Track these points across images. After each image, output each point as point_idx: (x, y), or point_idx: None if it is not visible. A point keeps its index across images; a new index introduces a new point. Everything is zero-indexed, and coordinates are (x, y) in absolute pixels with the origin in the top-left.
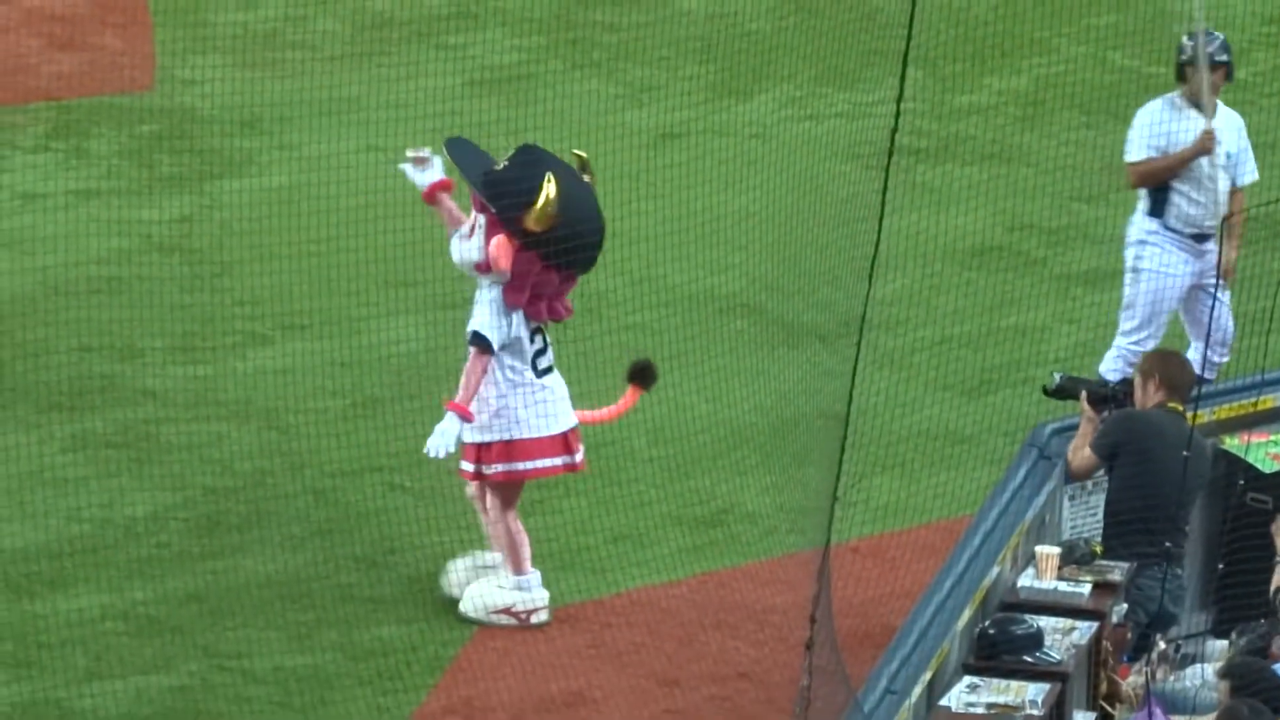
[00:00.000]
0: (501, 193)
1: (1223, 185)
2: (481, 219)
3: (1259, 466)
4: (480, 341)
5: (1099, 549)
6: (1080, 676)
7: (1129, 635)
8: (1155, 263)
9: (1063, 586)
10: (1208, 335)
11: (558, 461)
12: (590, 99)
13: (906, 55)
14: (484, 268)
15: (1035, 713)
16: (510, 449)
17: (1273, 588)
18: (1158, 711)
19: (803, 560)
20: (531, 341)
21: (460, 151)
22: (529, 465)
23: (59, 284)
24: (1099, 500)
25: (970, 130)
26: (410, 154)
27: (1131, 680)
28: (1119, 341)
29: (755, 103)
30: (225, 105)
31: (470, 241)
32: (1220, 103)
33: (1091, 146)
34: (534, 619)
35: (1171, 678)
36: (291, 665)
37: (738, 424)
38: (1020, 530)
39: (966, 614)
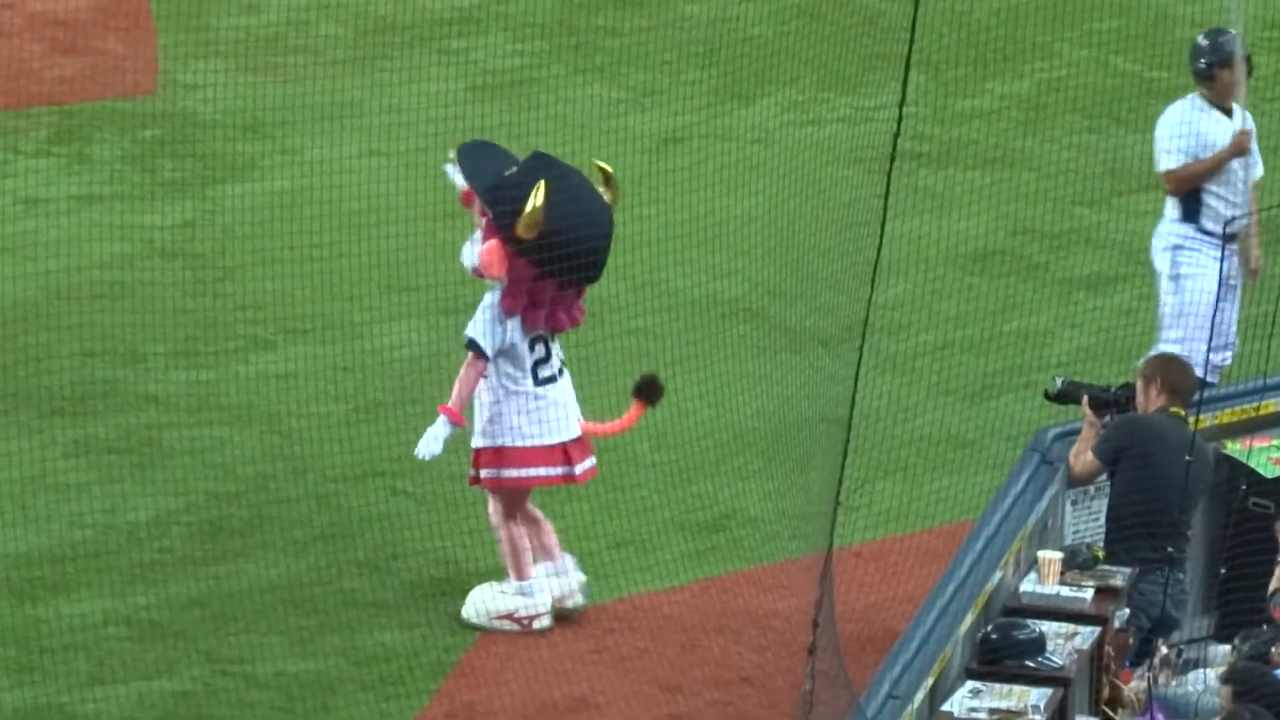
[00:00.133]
0: (499, 198)
1: (1248, 183)
2: (483, 223)
3: (1261, 471)
4: (473, 346)
5: (1101, 554)
6: (1082, 681)
7: (1131, 640)
8: (1194, 267)
9: (1065, 591)
10: (1210, 337)
11: (554, 471)
12: (592, 104)
13: (909, 60)
14: (480, 272)
15: (1038, 718)
16: (500, 455)
17: (1271, 589)
18: (1160, 717)
19: (805, 565)
20: (531, 350)
21: (472, 157)
22: (518, 473)
23: (61, 289)
24: (1101, 505)
25: (972, 135)
26: (452, 154)
27: (1134, 685)
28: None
29: (757, 107)
30: (227, 110)
31: (474, 245)
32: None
33: (1094, 151)
34: (536, 624)
35: (1174, 683)
36: (294, 670)
37: (740, 429)
38: (1022, 535)
39: (969, 619)
